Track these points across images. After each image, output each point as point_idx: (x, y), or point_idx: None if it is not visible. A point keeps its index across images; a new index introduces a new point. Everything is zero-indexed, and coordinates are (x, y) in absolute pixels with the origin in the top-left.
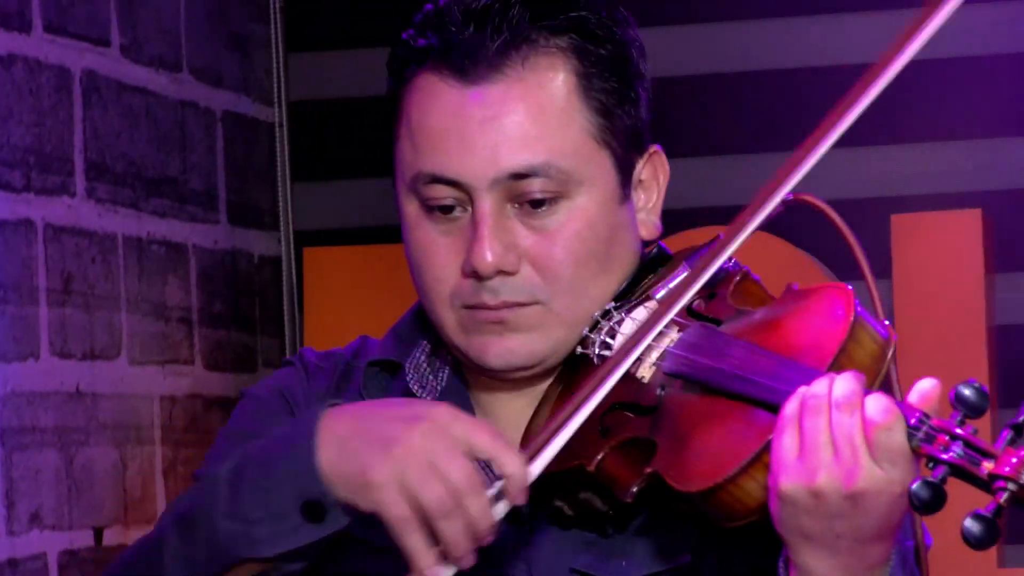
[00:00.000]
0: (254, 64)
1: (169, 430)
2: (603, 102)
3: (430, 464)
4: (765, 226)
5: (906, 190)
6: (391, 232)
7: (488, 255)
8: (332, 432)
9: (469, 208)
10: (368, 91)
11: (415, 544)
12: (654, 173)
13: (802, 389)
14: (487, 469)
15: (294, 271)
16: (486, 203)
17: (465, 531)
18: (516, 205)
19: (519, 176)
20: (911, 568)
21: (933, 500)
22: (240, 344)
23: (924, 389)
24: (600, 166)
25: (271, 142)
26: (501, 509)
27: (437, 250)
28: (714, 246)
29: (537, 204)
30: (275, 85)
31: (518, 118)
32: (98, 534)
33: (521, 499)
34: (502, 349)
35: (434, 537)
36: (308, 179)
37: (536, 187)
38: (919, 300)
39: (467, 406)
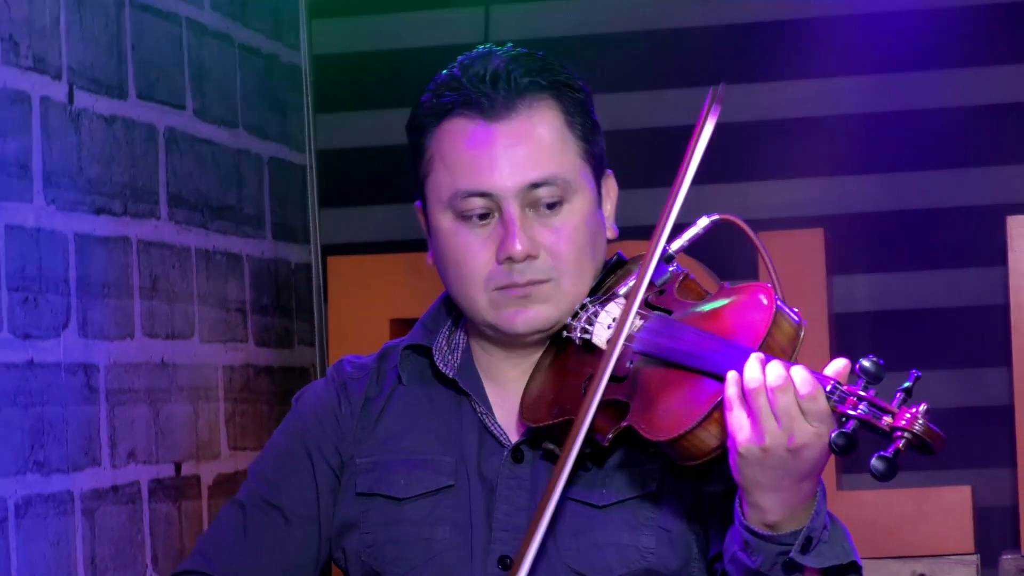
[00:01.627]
0: (291, 122)
1: (229, 390)
2: (582, 133)
3: None
4: (690, 246)
5: (770, 214)
6: (392, 245)
7: (518, 245)
8: None
9: (497, 214)
10: (374, 143)
11: None
12: (608, 190)
13: (732, 375)
14: None
15: (321, 273)
16: (513, 207)
17: None
18: (532, 210)
19: (536, 185)
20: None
21: (848, 446)
22: (281, 327)
23: (838, 366)
24: (586, 178)
25: (303, 179)
26: None
27: (475, 248)
28: (647, 254)
29: (548, 208)
30: (306, 138)
31: (531, 144)
32: (177, 467)
33: None
34: (527, 317)
35: None
36: (331, 206)
37: (547, 193)
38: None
39: (476, 374)
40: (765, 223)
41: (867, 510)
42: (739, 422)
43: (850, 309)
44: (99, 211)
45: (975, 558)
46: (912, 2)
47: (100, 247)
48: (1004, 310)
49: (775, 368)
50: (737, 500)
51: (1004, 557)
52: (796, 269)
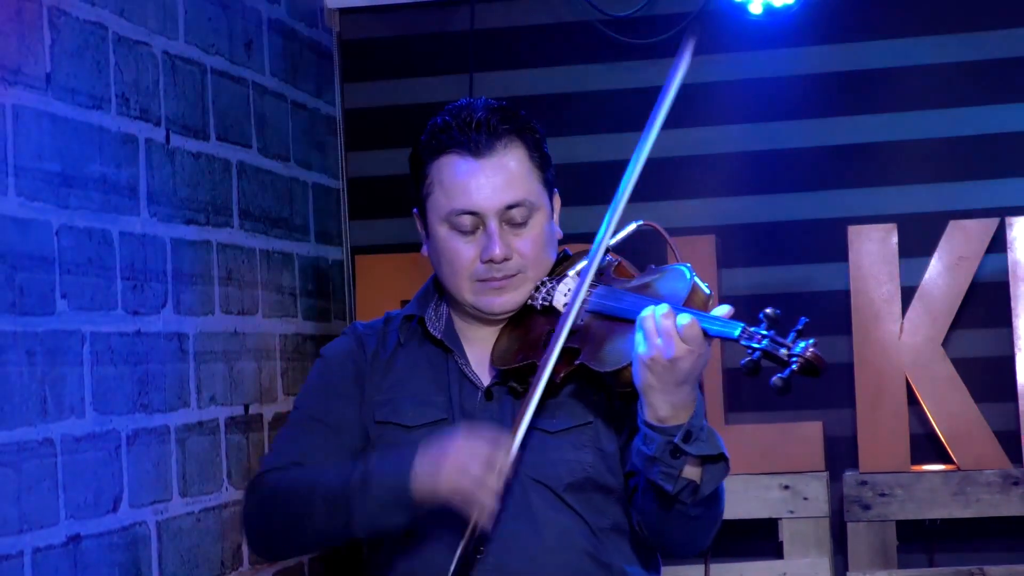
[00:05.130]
0: (328, 157)
1: (284, 352)
2: (540, 164)
3: (462, 473)
4: (619, 246)
5: (677, 224)
6: (402, 247)
7: (498, 250)
8: (419, 469)
9: (481, 227)
10: (390, 172)
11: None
12: (556, 205)
13: (644, 310)
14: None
15: (350, 268)
16: (494, 223)
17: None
18: (507, 224)
19: (511, 207)
20: (703, 407)
21: (754, 368)
22: (321, 307)
23: (723, 310)
24: (544, 198)
25: (338, 199)
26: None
27: (463, 251)
28: (592, 253)
29: (519, 224)
30: (340, 168)
31: (507, 174)
32: (246, 408)
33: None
34: (502, 302)
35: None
36: (358, 218)
37: (518, 213)
38: None
39: (456, 336)
40: (673, 231)
41: (747, 439)
42: (637, 340)
43: (735, 294)
44: (188, 222)
45: (825, 474)
46: (777, 71)
47: (189, 248)
48: (846, 294)
49: (663, 309)
50: (639, 405)
51: (846, 473)
52: (695, 264)
